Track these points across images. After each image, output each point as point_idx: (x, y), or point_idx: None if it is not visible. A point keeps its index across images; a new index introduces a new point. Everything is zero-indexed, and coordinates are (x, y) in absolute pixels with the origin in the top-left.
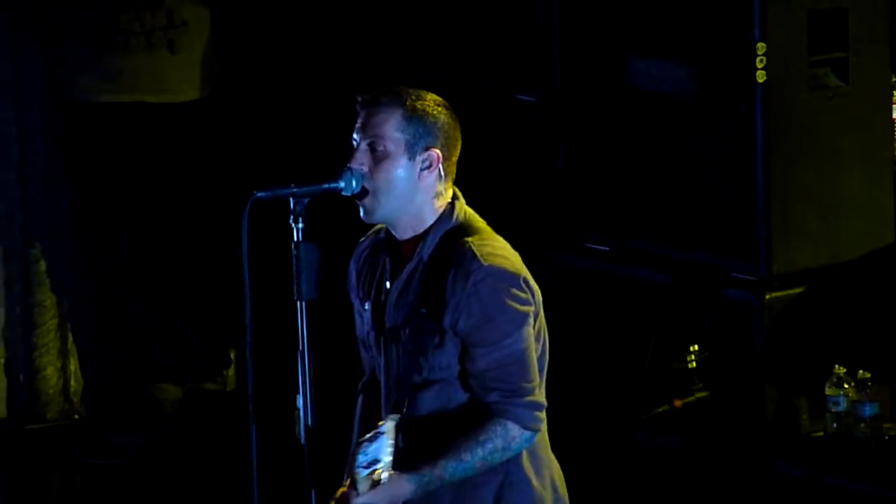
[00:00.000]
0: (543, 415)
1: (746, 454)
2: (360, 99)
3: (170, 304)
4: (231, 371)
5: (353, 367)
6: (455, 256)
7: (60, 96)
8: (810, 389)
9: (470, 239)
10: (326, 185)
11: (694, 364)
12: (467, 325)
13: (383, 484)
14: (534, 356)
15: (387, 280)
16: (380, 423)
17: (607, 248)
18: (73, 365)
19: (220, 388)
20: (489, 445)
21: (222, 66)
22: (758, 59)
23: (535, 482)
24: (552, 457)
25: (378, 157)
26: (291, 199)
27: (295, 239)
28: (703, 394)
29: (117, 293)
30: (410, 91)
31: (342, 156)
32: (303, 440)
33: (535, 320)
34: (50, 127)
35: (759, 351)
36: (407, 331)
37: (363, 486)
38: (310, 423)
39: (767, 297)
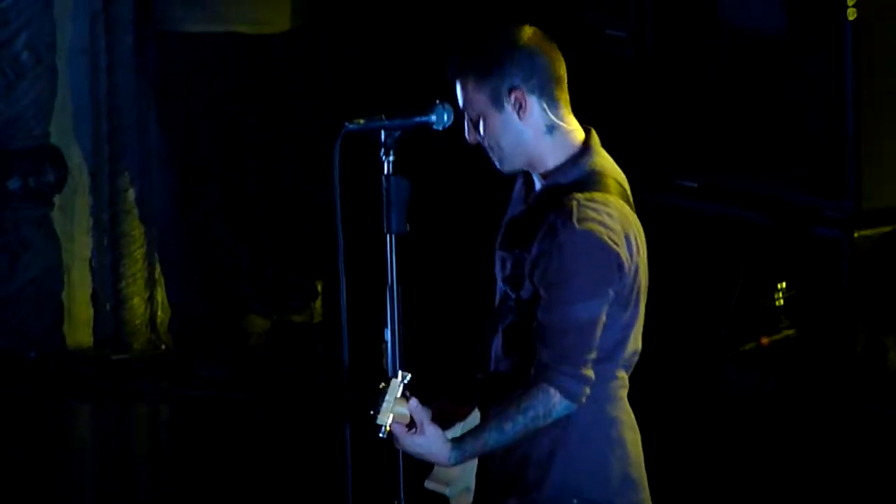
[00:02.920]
0: (588, 391)
1: (833, 392)
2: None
3: (258, 236)
4: (318, 303)
5: (443, 301)
6: (557, 206)
7: (151, 27)
8: None
9: (579, 195)
10: (417, 119)
11: (782, 302)
12: (543, 277)
13: (426, 437)
14: (598, 332)
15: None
16: (395, 376)
17: (696, 185)
18: (161, 295)
19: (307, 320)
20: (530, 413)
21: None
22: None
23: (593, 437)
24: (622, 416)
25: (476, 123)
26: (382, 131)
27: (385, 172)
28: (790, 332)
29: (206, 224)
30: (472, 40)
31: (434, 88)
32: (390, 373)
33: (632, 281)
34: (140, 58)
35: (847, 289)
36: (508, 263)
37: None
38: (398, 357)
39: (856, 234)
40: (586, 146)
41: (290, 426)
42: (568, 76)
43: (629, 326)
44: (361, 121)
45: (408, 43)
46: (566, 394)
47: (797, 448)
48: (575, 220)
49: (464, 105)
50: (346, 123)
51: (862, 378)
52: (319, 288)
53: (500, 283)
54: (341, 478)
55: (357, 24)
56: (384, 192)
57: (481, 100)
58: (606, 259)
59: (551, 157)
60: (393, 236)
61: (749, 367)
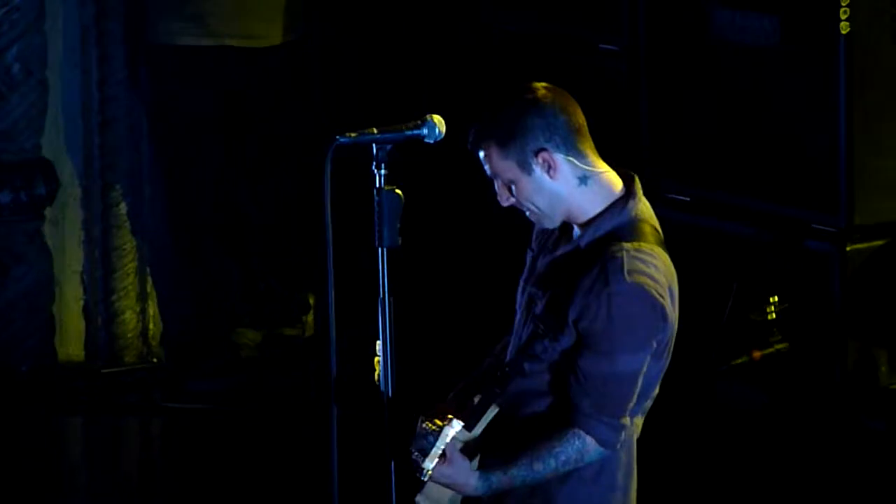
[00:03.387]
0: (623, 437)
1: (825, 405)
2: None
3: (250, 249)
4: (310, 317)
5: (437, 316)
6: (605, 257)
7: (143, 41)
8: (890, 341)
9: (628, 245)
10: (409, 132)
11: (773, 316)
12: (589, 327)
13: (453, 467)
14: (639, 382)
15: (549, 249)
16: (450, 420)
17: (688, 199)
18: (152, 309)
19: (299, 333)
20: (562, 458)
21: (306, 11)
22: (841, 10)
23: (603, 480)
24: (630, 461)
25: (510, 189)
26: (374, 144)
27: (377, 185)
28: (782, 345)
29: (197, 238)
30: (491, 107)
31: (426, 101)
32: (382, 387)
33: (671, 333)
34: (132, 71)
35: (838, 303)
36: (541, 306)
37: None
38: (390, 370)
39: (848, 248)
40: (630, 192)
41: (282, 440)
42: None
43: (658, 376)
44: (353, 134)
45: (400, 57)
46: (602, 442)
47: (789, 462)
48: (625, 272)
49: (491, 173)
50: (338, 137)
51: (854, 392)
52: (311, 301)
53: (521, 317)
54: (331, 490)
55: (349, 38)
56: (376, 205)
57: (509, 167)
58: (653, 313)
59: (590, 205)
60: (385, 250)
61: (741, 381)
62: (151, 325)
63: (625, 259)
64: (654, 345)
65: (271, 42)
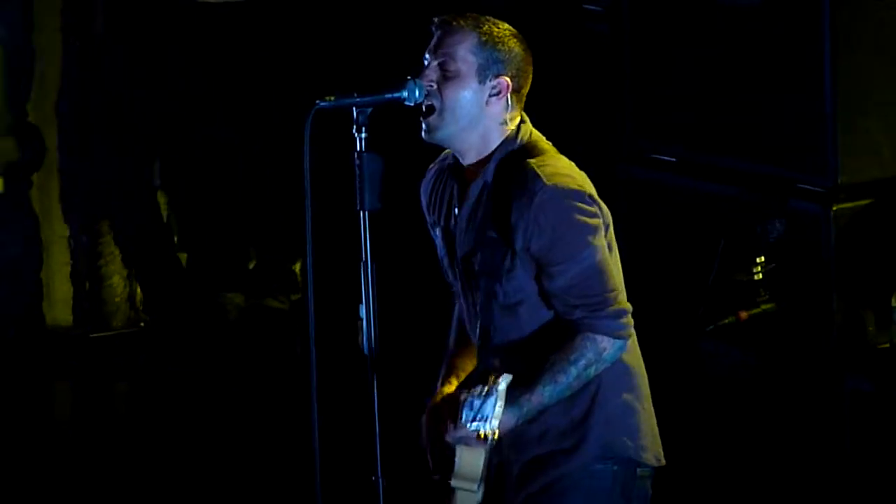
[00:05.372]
0: (630, 319)
1: (812, 366)
2: (436, 20)
3: (238, 213)
4: (297, 297)
5: (418, 279)
6: (518, 179)
7: (125, 2)
8: (877, 301)
9: (532, 161)
10: (389, 95)
11: (760, 276)
12: (539, 245)
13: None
14: (611, 264)
15: (455, 207)
16: (495, 379)
17: (674, 160)
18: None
19: (283, 306)
20: (581, 362)
21: None
22: None
23: (625, 394)
24: (637, 365)
25: (447, 77)
26: (354, 108)
27: (357, 149)
28: (769, 306)
29: (185, 200)
30: (488, 18)
31: (406, 64)
32: (365, 350)
33: (605, 232)
34: (117, 34)
35: (825, 262)
36: (479, 256)
37: (467, 434)
38: (373, 333)
39: (834, 208)
40: (521, 122)
41: (268, 403)
42: (544, 51)
43: (620, 266)
44: (332, 98)
45: (379, 18)
46: (612, 334)
47: (776, 422)
48: (543, 178)
49: (442, 53)
50: (318, 101)
51: (841, 352)
52: (297, 269)
53: (467, 289)
54: (312, 452)
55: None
56: (357, 168)
57: (467, 61)
58: (584, 200)
59: (490, 143)
60: (366, 213)
61: (728, 342)
62: (139, 289)
63: (536, 170)
64: (603, 229)
65: None
